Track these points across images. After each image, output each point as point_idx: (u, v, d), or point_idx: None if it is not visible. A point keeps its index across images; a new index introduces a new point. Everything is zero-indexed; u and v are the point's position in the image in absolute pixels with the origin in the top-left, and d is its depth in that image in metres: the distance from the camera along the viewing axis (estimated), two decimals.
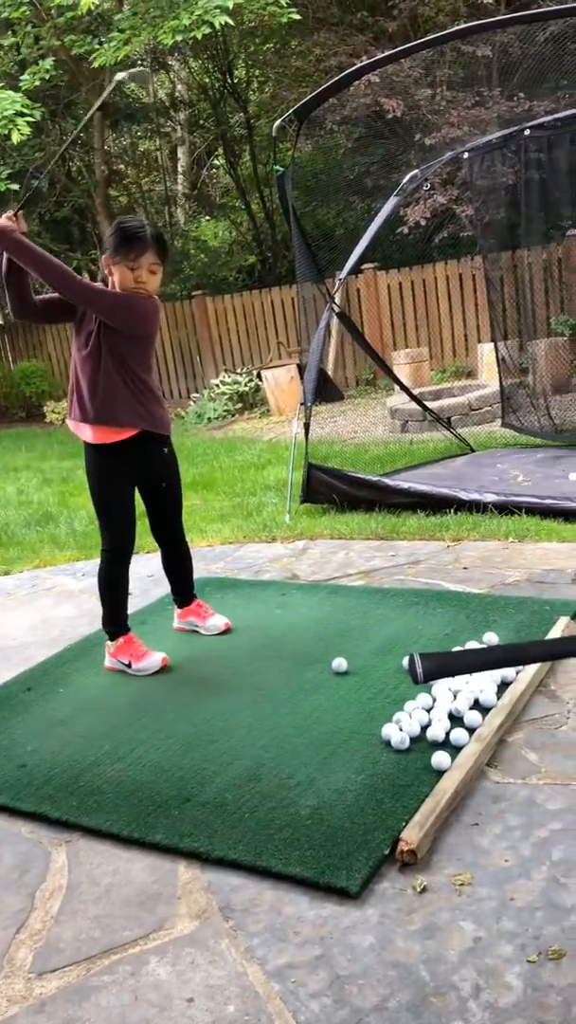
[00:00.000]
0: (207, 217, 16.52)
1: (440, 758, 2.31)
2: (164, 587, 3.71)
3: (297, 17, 9.30)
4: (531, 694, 2.68)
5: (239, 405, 10.29)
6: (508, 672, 2.71)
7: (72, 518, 5.81)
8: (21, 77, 9.86)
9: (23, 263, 2.85)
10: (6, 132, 9.12)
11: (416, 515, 4.75)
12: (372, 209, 8.16)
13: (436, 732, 2.44)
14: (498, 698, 2.60)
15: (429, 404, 7.15)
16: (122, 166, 15.12)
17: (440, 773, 2.27)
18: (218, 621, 3.46)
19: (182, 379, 12.16)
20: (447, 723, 2.48)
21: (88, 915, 1.99)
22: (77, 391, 3.05)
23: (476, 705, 2.59)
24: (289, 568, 4.25)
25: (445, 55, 8.68)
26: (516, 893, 1.87)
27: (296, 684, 2.92)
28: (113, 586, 3.21)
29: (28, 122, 9.28)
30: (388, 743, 2.45)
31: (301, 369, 8.71)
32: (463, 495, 4.70)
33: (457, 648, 2.94)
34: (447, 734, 2.43)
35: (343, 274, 5.93)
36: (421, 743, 2.44)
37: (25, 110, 9.30)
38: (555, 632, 3.02)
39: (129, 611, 3.31)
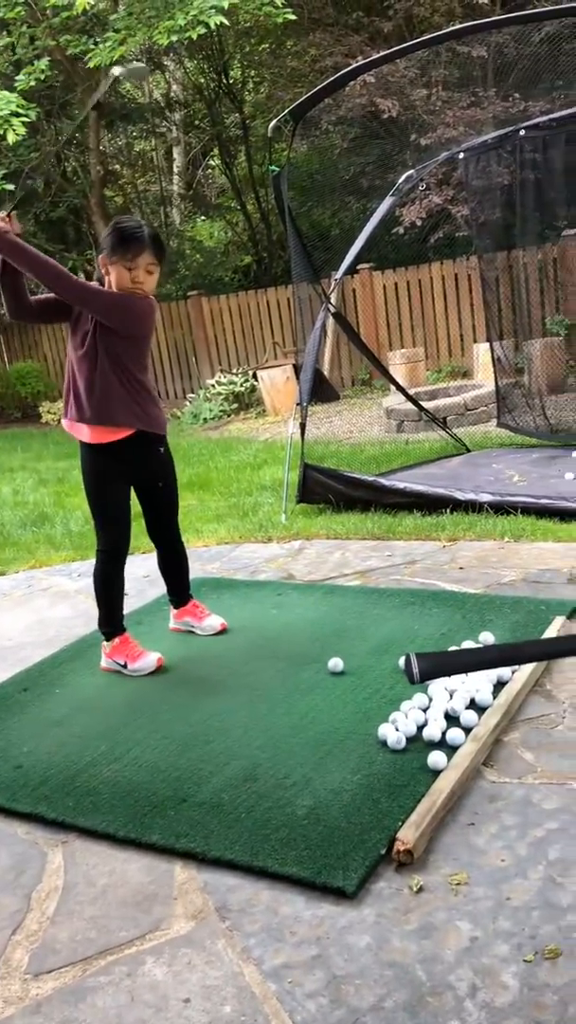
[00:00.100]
0: (203, 217, 16.52)
1: (436, 758, 2.31)
2: (160, 588, 3.71)
3: (292, 17, 9.30)
4: (527, 694, 2.68)
5: (235, 405, 10.29)
6: (504, 672, 2.72)
7: (68, 519, 5.80)
8: (16, 77, 9.84)
9: (18, 264, 2.84)
10: (1, 132, 9.10)
11: (412, 515, 4.75)
12: (368, 209, 8.16)
13: (432, 732, 2.44)
14: (494, 698, 2.60)
15: (425, 404, 7.15)
16: (118, 166, 15.11)
17: (436, 773, 2.27)
18: (214, 621, 3.46)
19: (178, 379, 12.15)
20: (443, 723, 2.48)
21: (84, 916, 1.99)
22: (73, 391, 3.05)
23: (472, 705, 2.59)
24: (285, 568, 4.25)
25: (440, 55, 8.69)
26: (512, 893, 1.87)
27: (292, 684, 2.92)
28: (109, 586, 3.21)
29: (23, 122, 9.27)
30: (384, 743, 2.45)
31: (297, 369, 8.70)
32: (459, 495, 4.71)
33: (453, 648, 2.94)
34: (443, 734, 2.43)
35: (339, 274, 5.93)
36: (417, 743, 2.44)
37: (20, 110, 9.29)
38: (551, 632, 3.03)
39: (125, 611, 3.31)
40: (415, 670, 1.32)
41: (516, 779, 2.27)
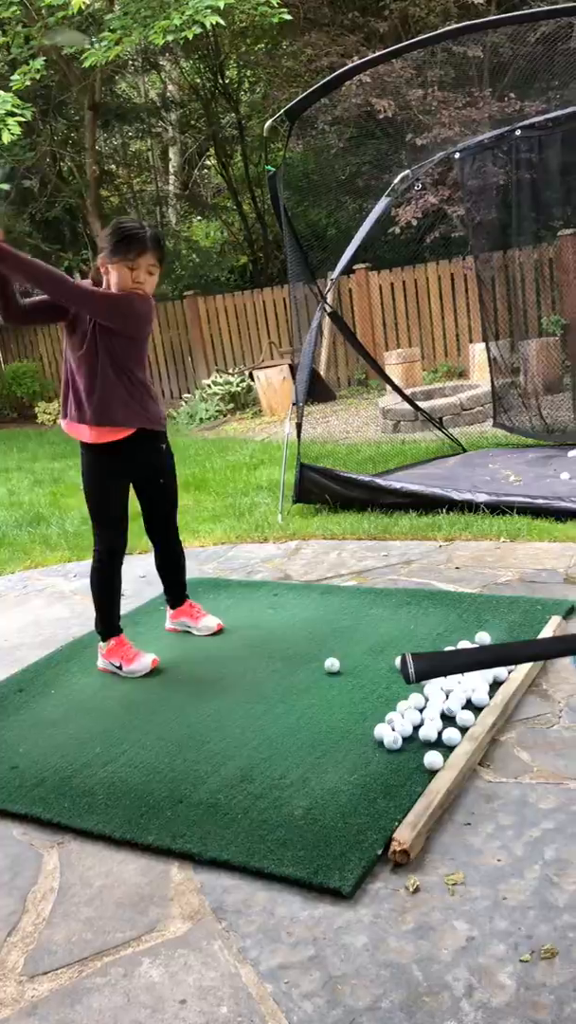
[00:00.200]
0: (199, 217, 16.51)
1: (433, 758, 2.31)
2: (156, 588, 3.71)
3: (288, 17, 9.29)
4: (523, 693, 2.68)
5: (231, 405, 10.28)
6: (500, 671, 2.72)
7: (63, 519, 5.79)
8: (11, 77, 9.82)
9: (14, 272, 2.82)
10: None
11: (408, 515, 4.75)
12: (364, 209, 8.16)
13: (428, 732, 2.44)
14: (490, 697, 2.61)
15: (421, 404, 7.16)
16: (113, 166, 15.10)
17: (433, 773, 2.27)
18: (210, 622, 3.46)
19: (174, 379, 12.14)
20: (439, 723, 2.48)
21: (80, 917, 1.98)
22: (73, 392, 3.04)
23: (468, 704, 2.59)
24: (281, 568, 4.25)
25: (436, 55, 8.70)
26: (509, 892, 1.87)
27: (289, 684, 2.91)
28: (105, 587, 3.21)
29: (19, 122, 9.25)
30: (381, 743, 2.45)
31: (293, 369, 8.71)
32: (455, 495, 4.71)
33: (449, 648, 2.94)
34: (439, 734, 2.44)
35: (335, 274, 5.94)
36: (414, 743, 2.44)
37: (16, 110, 9.27)
38: (547, 631, 3.03)
39: (121, 612, 3.30)
40: (411, 670, 1.32)
41: (512, 779, 2.27)
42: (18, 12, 9.81)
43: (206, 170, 16.65)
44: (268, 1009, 1.66)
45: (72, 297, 2.88)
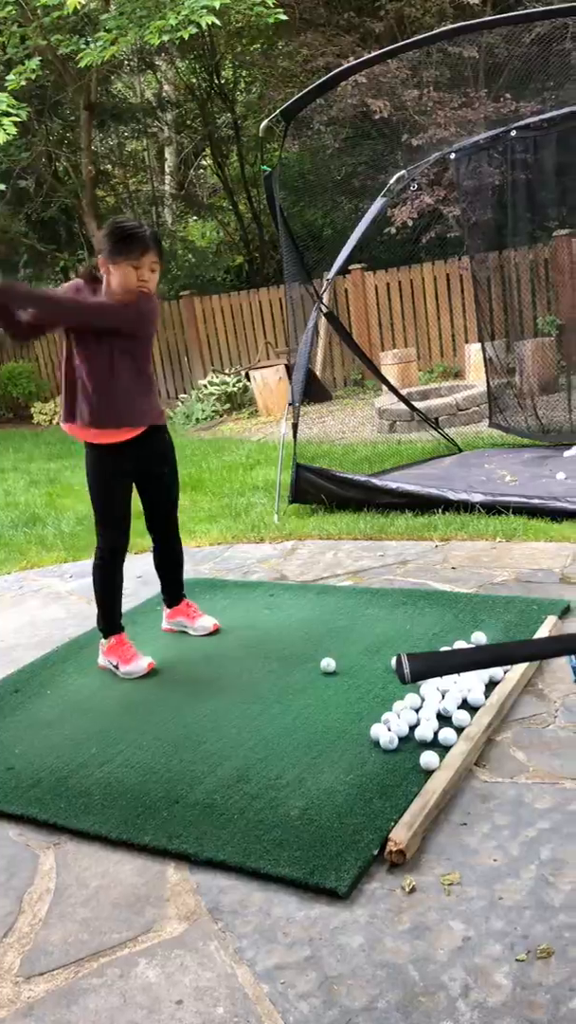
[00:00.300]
0: (195, 217, 16.50)
1: (429, 758, 2.31)
2: (153, 588, 3.71)
3: (284, 18, 9.28)
4: (519, 693, 2.69)
5: (227, 406, 10.28)
6: (496, 671, 2.72)
7: (59, 519, 5.78)
8: (7, 77, 9.82)
9: (38, 310, 2.88)
10: None
11: (404, 515, 4.75)
12: (359, 209, 8.17)
13: (424, 732, 2.44)
14: (486, 697, 2.61)
15: (417, 404, 7.16)
16: (109, 166, 15.08)
17: (429, 773, 2.27)
18: (207, 622, 3.46)
19: (170, 379, 12.14)
20: (435, 723, 2.49)
21: (76, 918, 1.98)
22: (83, 394, 3.00)
23: (464, 704, 2.60)
24: (278, 569, 4.25)
25: (432, 56, 8.70)
26: (505, 892, 1.87)
27: (285, 685, 2.91)
28: (107, 585, 3.21)
29: (14, 122, 9.25)
30: (377, 743, 2.45)
31: (289, 369, 8.71)
32: (451, 495, 4.71)
33: (445, 648, 2.95)
34: (435, 734, 2.44)
35: (331, 274, 5.93)
36: (410, 743, 2.44)
37: (11, 110, 9.27)
38: (543, 631, 3.03)
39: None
40: (406, 670, 1.32)
41: (508, 779, 2.28)
42: (13, 12, 9.80)
43: (202, 170, 16.64)
44: (264, 1009, 1.66)
45: (96, 318, 2.93)
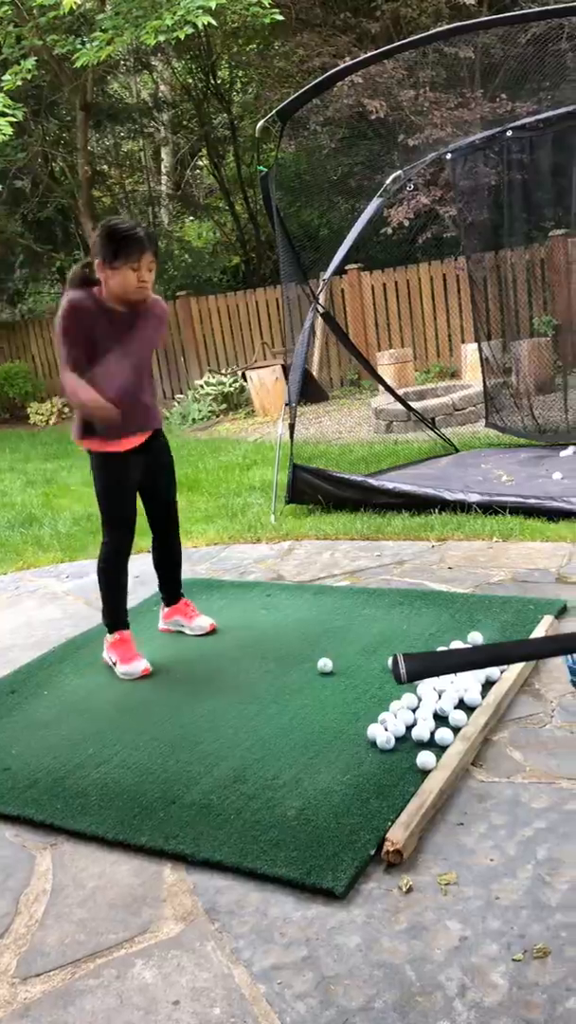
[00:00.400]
0: (191, 218, 16.49)
1: (425, 758, 2.31)
2: (150, 588, 3.70)
3: (280, 18, 9.29)
4: (516, 693, 2.69)
5: (224, 406, 10.28)
6: (493, 671, 2.72)
7: (56, 520, 5.78)
8: (3, 77, 9.81)
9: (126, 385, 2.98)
10: None
11: (401, 515, 4.76)
12: (356, 210, 8.17)
13: (421, 732, 2.44)
14: (483, 697, 2.61)
15: (413, 404, 7.17)
16: (105, 167, 15.07)
17: (425, 773, 2.27)
18: (203, 622, 3.46)
19: (166, 380, 12.14)
20: (432, 723, 2.49)
21: (73, 919, 1.98)
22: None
23: (461, 704, 2.60)
24: (274, 569, 4.25)
25: (428, 56, 8.71)
26: (501, 892, 1.87)
27: (282, 685, 2.91)
28: (114, 580, 3.22)
29: (10, 122, 9.24)
30: (373, 743, 2.45)
31: (286, 370, 8.71)
32: (447, 495, 4.72)
33: (442, 648, 2.95)
34: (432, 734, 2.44)
35: (327, 275, 5.94)
36: (406, 743, 2.44)
37: (7, 110, 9.26)
38: (539, 631, 3.03)
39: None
40: (402, 671, 1.32)
41: (505, 778, 2.28)
42: (9, 12, 9.79)
43: (198, 170, 16.64)
44: (261, 1010, 1.66)
45: (149, 354, 3.10)
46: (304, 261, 6.39)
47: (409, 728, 2.48)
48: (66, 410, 12.01)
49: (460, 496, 4.68)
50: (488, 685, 2.69)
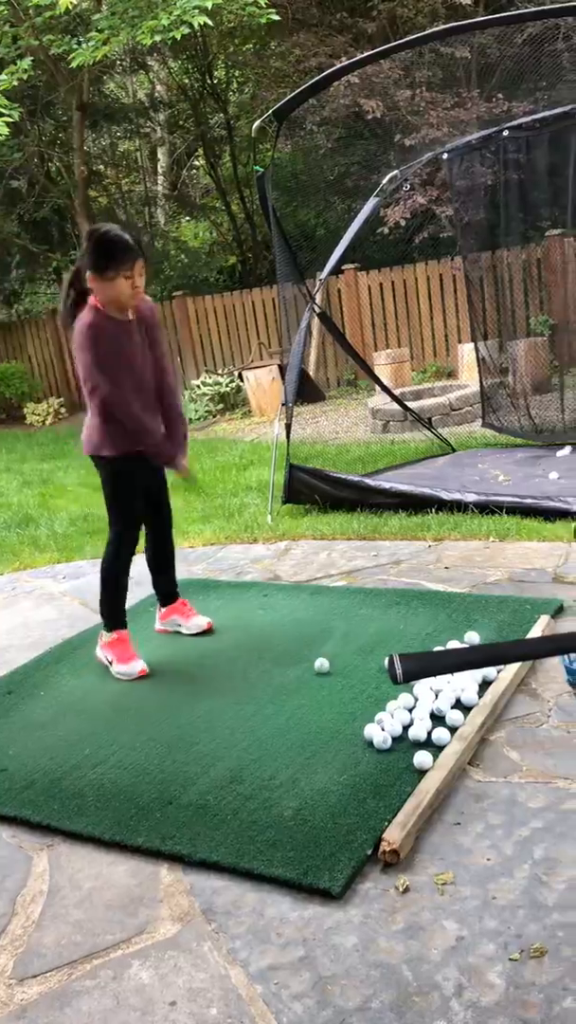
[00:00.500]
0: (187, 218, 16.48)
1: (422, 758, 2.31)
2: (146, 589, 3.70)
3: (276, 18, 9.28)
4: (512, 693, 2.69)
5: (220, 406, 10.27)
6: (490, 671, 2.72)
7: (52, 520, 5.77)
8: None
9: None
10: None
11: (398, 515, 4.76)
12: (352, 210, 8.17)
13: (418, 732, 2.44)
14: (479, 697, 2.61)
15: (410, 404, 7.17)
16: (102, 167, 15.06)
17: (422, 773, 2.27)
18: (200, 620, 3.47)
19: None
20: (429, 722, 2.49)
21: (70, 920, 1.98)
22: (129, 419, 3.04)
23: (458, 704, 2.60)
24: (271, 569, 4.25)
25: (424, 56, 8.71)
26: (498, 892, 1.87)
27: (278, 685, 2.91)
28: (118, 577, 3.23)
29: (6, 122, 9.23)
30: (370, 743, 2.45)
31: (282, 370, 8.70)
32: (444, 495, 4.72)
33: (439, 647, 2.95)
34: (429, 733, 2.44)
35: (323, 274, 5.94)
36: (403, 743, 2.44)
37: (3, 110, 9.25)
38: (536, 631, 3.04)
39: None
40: (398, 671, 1.32)
41: (502, 778, 2.28)
42: (5, 12, 9.79)
43: (195, 170, 16.63)
44: (258, 1010, 1.65)
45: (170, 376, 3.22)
46: (300, 261, 6.39)
47: (406, 728, 2.48)
48: (63, 411, 12.00)
49: (457, 496, 4.68)
50: (485, 685, 2.69)
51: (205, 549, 4.73)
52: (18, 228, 13.01)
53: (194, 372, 11.47)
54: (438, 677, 2.68)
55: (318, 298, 5.81)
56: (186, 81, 14.15)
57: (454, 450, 6.32)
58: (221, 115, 13.88)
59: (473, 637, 3.02)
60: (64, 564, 4.76)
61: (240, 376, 10.12)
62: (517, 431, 6.45)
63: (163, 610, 3.52)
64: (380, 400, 7.91)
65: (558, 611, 3.22)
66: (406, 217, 9.06)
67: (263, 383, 9.57)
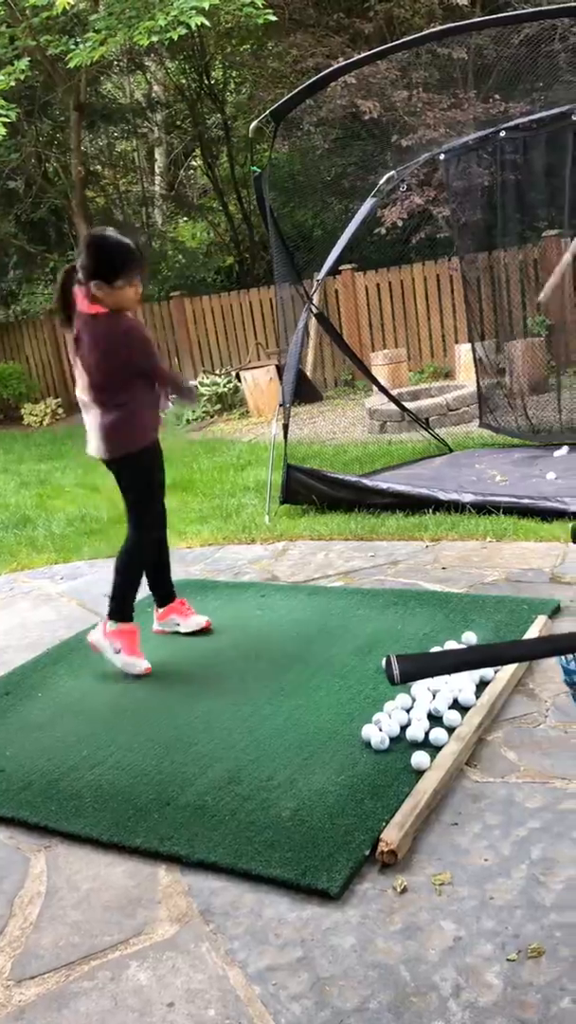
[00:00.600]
0: (185, 218, 16.48)
1: (420, 758, 2.31)
2: (142, 590, 3.69)
3: (273, 18, 9.28)
4: (510, 693, 2.69)
5: (218, 406, 10.27)
6: (487, 671, 2.73)
7: (50, 521, 5.77)
8: None
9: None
10: None
11: (395, 515, 4.76)
12: (349, 210, 8.17)
13: (415, 732, 2.44)
14: (477, 697, 2.61)
15: (407, 405, 7.17)
16: (99, 167, 15.05)
17: (420, 773, 2.27)
18: (199, 619, 3.47)
19: None
20: (426, 723, 2.49)
21: (67, 921, 1.98)
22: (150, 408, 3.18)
23: (455, 704, 2.60)
24: (269, 570, 4.25)
25: (421, 57, 8.72)
26: (496, 892, 1.88)
27: (276, 686, 2.91)
28: (137, 568, 3.27)
29: (3, 123, 9.23)
30: (368, 744, 2.45)
31: (280, 370, 8.70)
32: (441, 495, 4.72)
33: (436, 648, 2.95)
34: (426, 734, 2.44)
35: (321, 275, 5.94)
36: (401, 743, 2.44)
37: (1, 110, 9.25)
38: (533, 631, 3.04)
39: (107, 614, 3.30)
40: (395, 672, 1.32)
41: (499, 778, 2.28)
42: (2, 12, 9.78)
43: (192, 171, 16.63)
44: (256, 1011, 1.66)
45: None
46: (298, 261, 6.39)
47: (403, 728, 2.48)
48: (60, 411, 11.99)
49: (454, 496, 4.68)
50: (482, 685, 2.69)
51: (203, 550, 4.73)
52: (15, 228, 13.00)
53: (191, 373, 11.46)
54: (435, 677, 2.69)
55: (315, 298, 5.81)
56: (183, 81, 14.15)
57: (451, 450, 6.32)
58: (218, 115, 13.88)
59: (470, 637, 3.02)
60: (62, 565, 4.75)
61: (238, 376, 10.12)
62: (514, 431, 6.45)
63: (160, 611, 3.52)
64: (377, 400, 7.92)
65: (555, 611, 3.22)
66: (403, 217, 9.06)
67: (261, 383, 9.57)
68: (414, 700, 2.62)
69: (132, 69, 13.88)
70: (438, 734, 2.42)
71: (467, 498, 4.64)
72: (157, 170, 15.93)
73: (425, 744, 2.42)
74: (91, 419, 3.12)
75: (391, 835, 2.02)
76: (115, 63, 12.98)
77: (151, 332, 3.14)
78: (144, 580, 3.35)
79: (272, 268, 6.01)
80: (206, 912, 1.94)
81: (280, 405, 5.45)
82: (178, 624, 3.48)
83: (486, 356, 6.85)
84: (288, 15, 10.45)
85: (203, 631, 3.45)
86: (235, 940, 1.84)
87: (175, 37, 8.66)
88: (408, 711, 2.57)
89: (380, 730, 2.46)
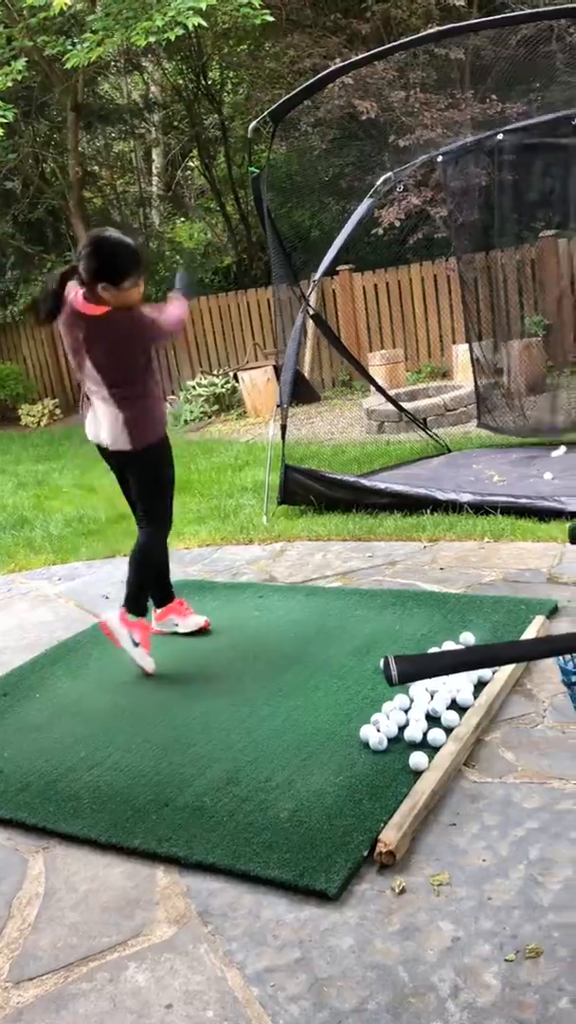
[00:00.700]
0: (182, 219, 16.47)
1: (418, 758, 2.31)
2: None
3: (270, 19, 9.28)
4: (508, 693, 2.69)
5: (216, 407, 10.26)
6: (485, 672, 2.73)
7: (48, 522, 5.76)
8: None
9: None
10: None
11: (393, 516, 4.76)
12: (347, 211, 8.17)
13: (414, 732, 2.44)
14: (475, 698, 2.61)
15: (405, 405, 7.17)
16: (96, 167, 15.03)
17: (418, 773, 2.28)
18: (197, 619, 3.48)
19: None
20: (424, 723, 2.49)
21: (66, 922, 1.98)
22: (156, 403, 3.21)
23: (453, 705, 2.60)
24: (267, 570, 4.25)
25: (418, 58, 8.72)
26: (494, 892, 1.88)
27: (274, 686, 2.91)
28: (154, 564, 3.31)
29: (1, 123, 9.22)
30: (366, 744, 2.45)
31: (278, 370, 8.70)
32: (439, 495, 4.72)
33: (434, 648, 2.95)
34: (424, 734, 2.44)
35: (318, 275, 5.94)
36: (399, 744, 2.44)
37: None
38: (531, 631, 3.04)
39: (106, 615, 3.29)
40: (393, 673, 1.32)
41: (497, 779, 2.28)
42: (0, 13, 9.77)
43: (189, 171, 16.62)
44: (254, 1012, 1.66)
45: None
46: (295, 262, 6.40)
47: (401, 729, 2.48)
48: (58, 412, 11.98)
49: (452, 496, 4.69)
50: (480, 686, 2.69)
51: (201, 550, 4.73)
52: (13, 229, 12.98)
53: (189, 373, 11.46)
54: (434, 678, 2.69)
55: (312, 299, 5.81)
56: (180, 82, 14.14)
57: (449, 450, 6.32)
58: (216, 116, 13.87)
59: (468, 638, 3.02)
60: (60, 566, 4.75)
61: (235, 377, 10.12)
62: (512, 431, 6.46)
63: (159, 611, 3.51)
64: (375, 401, 7.92)
65: (553, 611, 3.23)
66: (400, 218, 9.07)
67: (258, 384, 9.57)
68: (412, 701, 2.62)
69: (129, 70, 13.86)
70: (436, 735, 2.42)
71: (465, 498, 4.65)
72: (154, 170, 15.92)
73: (423, 745, 2.42)
74: (109, 414, 3.10)
75: (389, 836, 2.02)
76: (112, 64, 12.97)
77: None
78: None
79: (270, 269, 6.02)
80: (204, 913, 1.94)
81: (278, 405, 5.45)
82: (176, 624, 3.48)
83: (483, 356, 6.86)
84: (285, 16, 10.45)
85: (202, 631, 3.46)
86: (233, 941, 1.84)
87: (172, 38, 8.65)
88: (406, 712, 2.57)
89: (378, 731, 2.46)
